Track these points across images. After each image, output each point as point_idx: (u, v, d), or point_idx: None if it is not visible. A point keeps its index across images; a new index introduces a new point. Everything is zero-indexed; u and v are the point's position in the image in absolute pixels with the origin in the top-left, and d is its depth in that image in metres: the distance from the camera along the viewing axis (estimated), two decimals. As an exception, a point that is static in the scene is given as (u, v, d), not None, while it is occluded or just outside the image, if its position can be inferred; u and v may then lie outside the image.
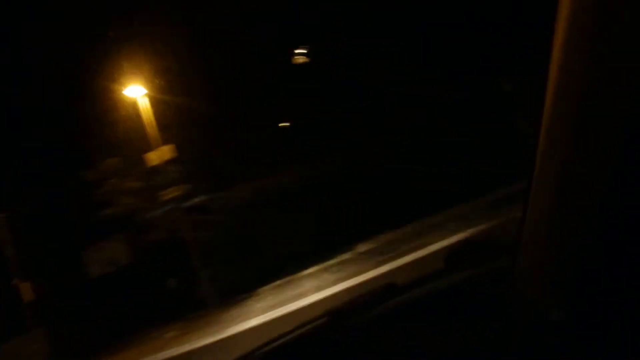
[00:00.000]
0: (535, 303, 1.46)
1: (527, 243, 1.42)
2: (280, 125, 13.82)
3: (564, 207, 1.21)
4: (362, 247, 10.72)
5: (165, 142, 12.62)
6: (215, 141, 12.90)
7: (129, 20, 12.53)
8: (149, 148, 12.73)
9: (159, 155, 12.60)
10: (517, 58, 9.79)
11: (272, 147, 13.13)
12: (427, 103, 11.66)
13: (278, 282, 10.76)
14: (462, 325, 1.80)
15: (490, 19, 10.43)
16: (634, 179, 1.08)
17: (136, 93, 12.98)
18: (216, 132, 12.87)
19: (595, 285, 1.25)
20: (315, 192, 12.53)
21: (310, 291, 8.88)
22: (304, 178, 12.76)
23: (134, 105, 13.08)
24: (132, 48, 12.96)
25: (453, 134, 11.37)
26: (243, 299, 10.81)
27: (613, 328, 1.28)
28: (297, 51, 13.21)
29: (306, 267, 10.81)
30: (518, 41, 9.54)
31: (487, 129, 10.78)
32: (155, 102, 13.00)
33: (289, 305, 8.42)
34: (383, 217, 11.10)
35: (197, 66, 12.64)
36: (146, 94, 12.96)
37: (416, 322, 1.94)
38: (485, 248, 2.12)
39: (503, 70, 10.18)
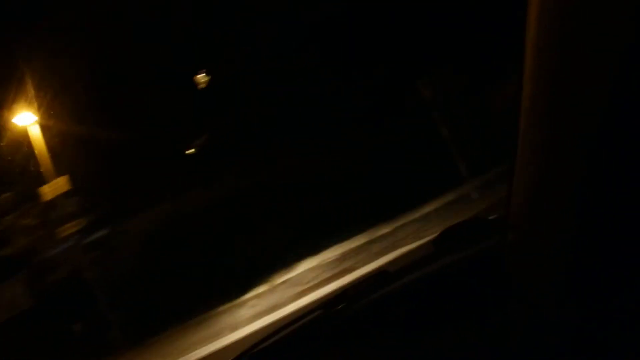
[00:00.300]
0: (527, 278, 1.48)
1: (515, 219, 1.44)
2: (187, 152, 13.07)
3: (547, 181, 1.21)
4: (279, 278, 9.89)
5: (59, 173, 11.60)
6: (112, 169, 11.92)
7: (18, 43, 11.68)
8: (43, 181, 11.69)
9: (54, 188, 11.53)
10: (436, 61, 9.36)
11: (174, 171, 12.27)
12: (338, 112, 11.03)
13: (190, 322, 9.81)
14: (456, 306, 1.78)
15: (407, 19, 9.96)
16: (614, 153, 1.07)
17: (26, 121, 11.92)
18: (113, 159, 11.91)
19: (585, 257, 1.24)
20: (222, 217, 11.68)
21: (226, 330, 8.09)
22: (208, 202, 11.77)
23: (24, 135, 12.06)
24: (20, 73, 11.91)
25: (369, 146, 10.71)
26: (153, 340, 9.92)
27: (605, 298, 1.26)
28: (199, 74, 12.50)
29: (219, 304, 9.89)
30: (436, 43, 9.12)
31: (406, 138, 10.23)
32: (47, 131, 11.99)
33: (203, 347, 7.65)
34: (299, 242, 10.31)
35: (89, 90, 11.77)
36: (37, 121, 11.93)
37: (411, 307, 1.91)
38: (474, 229, 2.07)
39: (421, 74, 9.70)
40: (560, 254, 1.27)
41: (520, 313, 1.53)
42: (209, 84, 12.42)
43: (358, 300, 2.06)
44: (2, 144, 12.28)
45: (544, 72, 1.07)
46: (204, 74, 12.43)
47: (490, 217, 2.06)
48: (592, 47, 0.99)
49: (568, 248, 1.24)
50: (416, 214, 8.91)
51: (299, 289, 8.51)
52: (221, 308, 9.76)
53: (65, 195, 11.81)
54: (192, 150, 13.13)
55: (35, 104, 12.10)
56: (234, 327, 8.09)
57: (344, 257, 9.11)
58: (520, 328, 1.54)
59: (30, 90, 12.05)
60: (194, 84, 12.59)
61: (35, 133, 11.87)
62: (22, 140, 12.11)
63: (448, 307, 1.81)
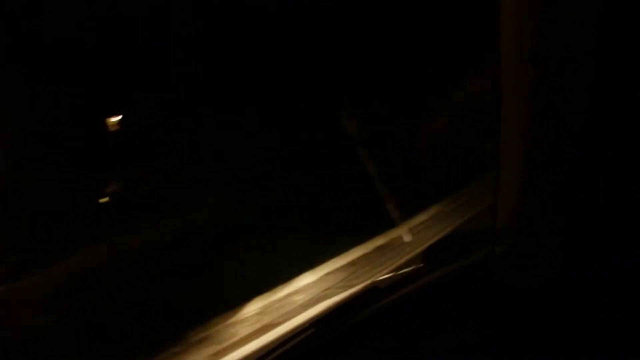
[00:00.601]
0: (519, 287, 1.68)
1: (502, 232, 1.64)
2: (100, 200, 12.30)
3: (532, 194, 1.37)
4: (195, 336, 8.85)
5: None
6: (16, 219, 11.02)
7: None
8: None
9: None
10: (361, 91, 8.78)
11: (86, 221, 11.44)
12: (256, 149, 10.32)
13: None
14: (449, 320, 1.94)
15: (330, 47, 9.36)
16: (595, 165, 1.22)
17: None
18: (17, 208, 11.03)
19: (570, 264, 1.42)
20: (133, 270, 10.65)
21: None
22: (121, 254, 10.87)
23: None
24: None
25: (289, 185, 9.96)
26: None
27: (601, 298, 1.43)
28: (110, 117, 11.82)
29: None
30: (361, 72, 8.57)
31: (328, 177, 9.53)
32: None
33: None
34: (215, 296, 9.33)
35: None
36: None
37: (401, 323, 2.08)
38: (462, 242, 2.29)
39: (344, 106, 9.07)
40: (551, 260, 1.45)
41: (514, 320, 1.64)
42: (122, 126, 11.78)
43: (350, 316, 2.20)
44: None
45: (523, 83, 1.20)
46: (116, 116, 11.78)
47: (477, 230, 2.18)
48: (569, 52, 1.12)
49: (558, 254, 1.42)
50: (343, 261, 8.19)
51: (216, 348, 7.71)
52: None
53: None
54: (106, 199, 12.43)
55: None
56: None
57: (264, 310, 8.25)
58: (514, 337, 1.64)
59: None
60: (106, 127, 11.95)
61: None
62: None
63: (440, 321, 1.92)
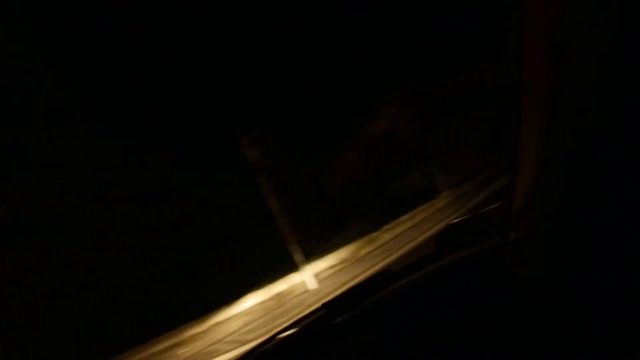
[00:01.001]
0: (528, 276, 1.60)
1: (516, 220, 1.58)
2: None
3: (549, 182, 1.32)
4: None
5: None
6: None
7: None
8: None
9: None
10: (266, 116, 7.94)
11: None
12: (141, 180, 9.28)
13: None
14: (460, 306, 1.87)
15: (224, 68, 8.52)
16: (609, 162, 1.20)
17: None
18: None
19: (586, 256, 1.34)
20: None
21: None
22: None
23: None
24: None
25: (180, 219, 8.92)
26: None
27: (605, 297, 1.38)
28: None
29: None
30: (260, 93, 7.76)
31: (222, 215, 8.57)
32: None
33: None
34: (91, 347, 8.25)
35: None
36: None
37: (414, 306, 1.99)
38: (475, 228, 2.14)
39: (246, 131, 8.16)
40: (561, 253, 1.40)
41: (520, 310, 1.60)
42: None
43: (362, 299, 2.09)
44: None
45: (542, 83, 1.19)
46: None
47: (491, 217, 2.05)
48: (585, 51, 1.14)
49: (569, 247, 1.37)
50: (236, 309, 7.32)
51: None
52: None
53: None
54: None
55: None
56: None
57: (156, 353, 7.25)
58: (521, 325, 1.59)
59: None
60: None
61: None
62: None
63: (450, 305, 1.86)
